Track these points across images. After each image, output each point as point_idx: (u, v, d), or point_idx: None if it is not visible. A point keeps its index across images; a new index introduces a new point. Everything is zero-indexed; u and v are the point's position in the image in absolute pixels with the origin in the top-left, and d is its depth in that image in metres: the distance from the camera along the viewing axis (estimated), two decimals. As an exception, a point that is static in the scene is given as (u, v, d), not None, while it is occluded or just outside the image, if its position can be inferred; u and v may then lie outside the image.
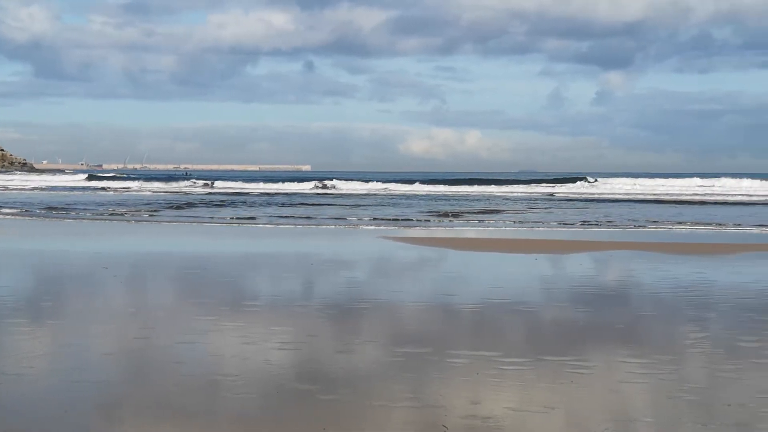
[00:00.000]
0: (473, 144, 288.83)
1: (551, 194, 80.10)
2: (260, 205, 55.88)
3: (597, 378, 10.06)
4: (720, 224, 37.12)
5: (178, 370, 10.22)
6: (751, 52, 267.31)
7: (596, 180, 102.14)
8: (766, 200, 65.73)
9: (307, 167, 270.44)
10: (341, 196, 74.97)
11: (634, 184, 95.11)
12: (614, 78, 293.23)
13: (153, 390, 9.43)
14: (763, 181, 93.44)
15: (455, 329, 13.08)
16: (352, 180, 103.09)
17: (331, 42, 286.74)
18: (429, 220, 40.25)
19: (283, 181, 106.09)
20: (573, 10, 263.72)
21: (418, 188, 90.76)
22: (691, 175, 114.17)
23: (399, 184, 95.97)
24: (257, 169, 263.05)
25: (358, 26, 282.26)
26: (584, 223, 37.96)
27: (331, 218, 40.86)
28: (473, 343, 11.81)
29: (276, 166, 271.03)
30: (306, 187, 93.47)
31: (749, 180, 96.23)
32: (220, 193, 77.50)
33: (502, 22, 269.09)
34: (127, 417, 8.47)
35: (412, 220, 40.39)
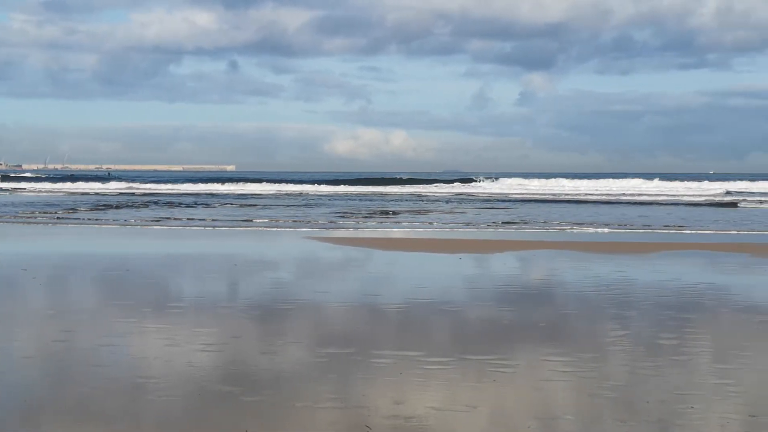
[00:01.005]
0: (399, 144, 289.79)
1: (419, 194, 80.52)
2: (180, 206, 55.35)
3: (520, 376, 10.13)
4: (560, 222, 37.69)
5: (100, 373, 10.07)
6: (670, 54, 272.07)
7: (482, 180, 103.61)
8: (651, 200, 66.58)
9: (231, 167, 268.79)
10: (252, 196, 74.64)
11: (520, 185, 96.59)
12: (537, 79, 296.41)
13: (73, 393, 9.28)
14: (663, 182, 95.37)
15: (380, 329, 13.09)
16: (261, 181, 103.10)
17: (255, 41, 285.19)
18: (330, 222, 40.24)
19: (205, 181, 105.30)
20: (496, 11, 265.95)
21: (308, 188, 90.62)
22: (606, 176, 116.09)
23: (290, 185, 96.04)
24: (181, 169, 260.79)
25: (283, 26, 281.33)
26: (506, 223, 38.24)
27: (248, 219, 40.64)
28: (397, 343, 11.83)
29: (200, 166, 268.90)
30: (225, 188, 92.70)
31: (658, 180, 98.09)
32: (140, 194, 76.58)
33: (426, 22, 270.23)
34: (47, 421, 8.33)
35: (310, 222, 40.34)
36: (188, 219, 40.42)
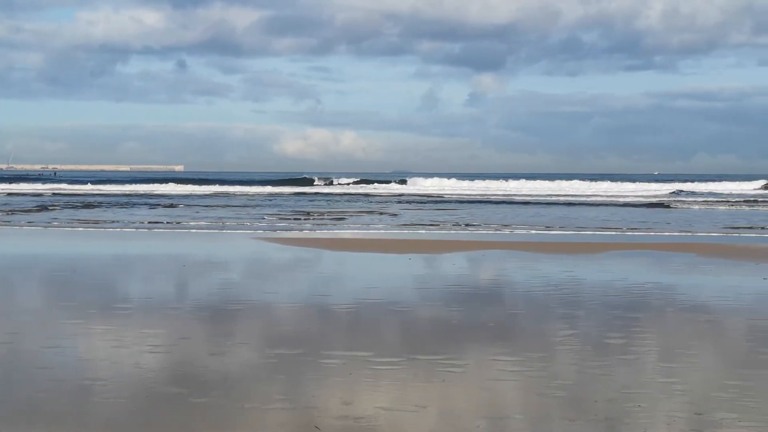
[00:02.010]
0: (348, 144, 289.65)
1: (366, 194, 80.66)
2: (126, 206, 54.89)
3: (469, 376, 10.16)
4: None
5: (45, 376, 9.95)
6: (618, 56, 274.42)
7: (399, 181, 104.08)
8: (579, 201, 67.19)
9: (180, 168, 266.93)
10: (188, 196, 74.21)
11: (444, 187, 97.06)
12: (486, 80, 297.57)
13: (19, 396, 9.16)
14: (586, 182, 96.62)
15: (329, 330, 13.06)
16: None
17: (204, 41, 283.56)
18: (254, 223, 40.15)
19: (152, 181, 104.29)
20: (445, 12, 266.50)
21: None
22: (553, 177, 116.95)
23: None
24: (128, 169, 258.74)
25: (232, 26, 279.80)
26: (455, 224, 38.37)
27: (196, 219, 40.41)
28: (347, 343, 11.82)
29: (148, 166, 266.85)
30: (169, 188, 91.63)
31: (602, 182, 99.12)
32: (83, 195, 75.36)
33: (375, 23, 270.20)
34: (-10, 425, 8.21)
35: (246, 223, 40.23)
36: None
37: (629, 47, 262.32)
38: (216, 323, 13.32)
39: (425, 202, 63.80)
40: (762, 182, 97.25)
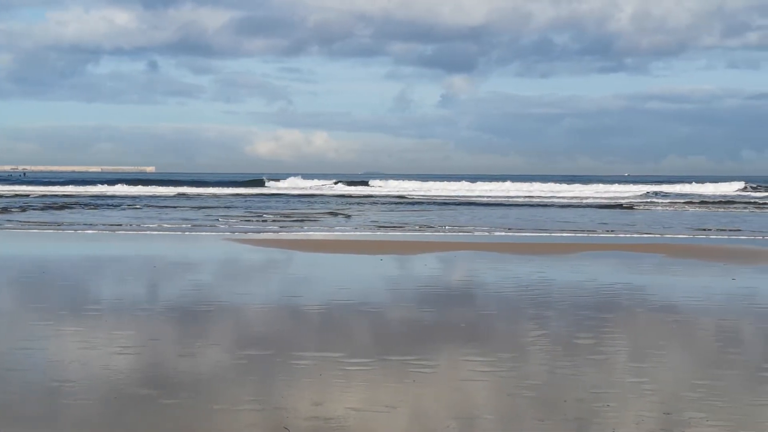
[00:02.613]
0: (320, 145, 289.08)
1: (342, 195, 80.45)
2: (96, 207, 54.61)
3: (439, 377, 10.18)
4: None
5: (14, 377, 9.89)
6: (589, 58, 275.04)
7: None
8: (547, 203, 67.49)
9: (151, 169, 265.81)
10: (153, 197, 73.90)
11: (410, 189, 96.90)
12: (458, 81, 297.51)
13: (-15, 398, 9.09)
14: (548, 184, 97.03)
15: (300, 331, 13.04)
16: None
17: (175, 42, 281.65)
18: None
19: (123, 182, 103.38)
20: (417, 14, 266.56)
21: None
22: (526, 178, 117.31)
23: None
24: (99, 170, 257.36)
25: (203, 26, 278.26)
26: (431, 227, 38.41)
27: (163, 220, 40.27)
28: (318, 344, 11.81)
29: (119, 167, 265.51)
30: (134, 190, 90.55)
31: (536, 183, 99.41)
32: (50, 196, 74.49)
33: (347, 24, 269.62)
34: (-43, 427, 8.15)
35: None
36: None
37: (601, 49, 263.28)
38: (186, 324, 13.27)
39: (384, 204, 63.82)
40: (741, 184, 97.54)
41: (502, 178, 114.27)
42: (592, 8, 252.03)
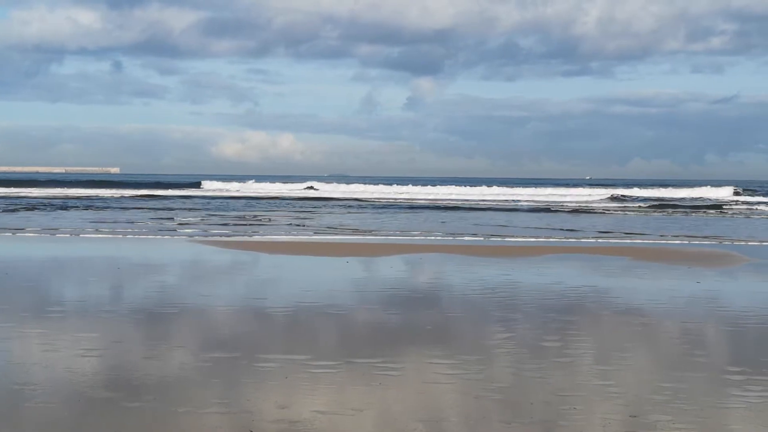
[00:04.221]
0: (287, 147, 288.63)
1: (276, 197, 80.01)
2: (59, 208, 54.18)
3: (406, 379, 10.14)
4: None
5: (-26, 380, 9.75)
6: (555, 61, 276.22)
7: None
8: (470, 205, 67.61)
9: (116, 170, 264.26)
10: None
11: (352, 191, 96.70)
12: (425, 84, 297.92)
13: (-55, 401, 8.96)
14: (503, 188, 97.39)
15: (266, 333, 12.97)
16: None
17: (140, 42, 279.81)
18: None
19: (80, 185, 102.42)
20: (384, 17, 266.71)
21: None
22: (490, 182, 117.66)
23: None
24: (63, 171, 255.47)
25: (169, 27, 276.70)
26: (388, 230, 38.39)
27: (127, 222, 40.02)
28: (284, 346, 11.74)
29: (84, 168, 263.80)
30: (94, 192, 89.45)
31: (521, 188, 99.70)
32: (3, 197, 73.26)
33: (314, 26, 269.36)
34: None
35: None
36: None
37: (566, 53, 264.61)
38: (150, 326, 13.16)
39: (342, 206, 63.80)
40: (731, 188, 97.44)
41: (467, 182, 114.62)
42: (558, 12, 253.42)
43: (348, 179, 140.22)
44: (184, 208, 54.92)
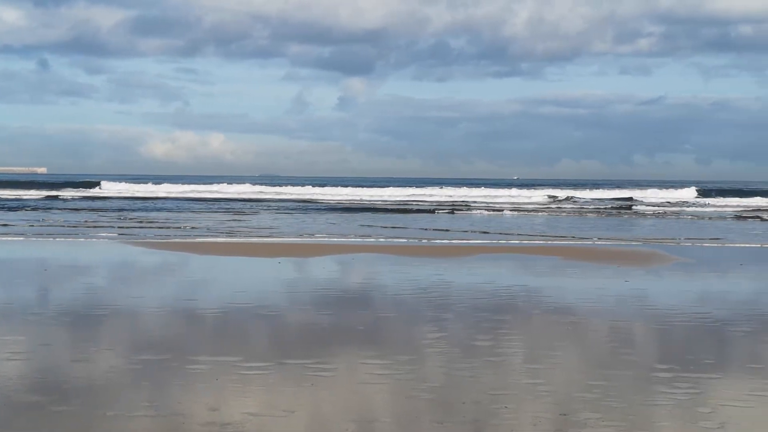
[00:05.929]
0: (217, 147, 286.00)
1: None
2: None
3: (338, 380, 10.11)
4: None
5: None
6: (485, 62, 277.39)
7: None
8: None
9: (42, 170, 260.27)
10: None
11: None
12: (356, 84, 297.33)
13: None
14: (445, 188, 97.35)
15: (196, 335, 12.86)
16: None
17: (67, 40, 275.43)
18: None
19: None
20: (315, 16, 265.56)
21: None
22: (422, 183, 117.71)
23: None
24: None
25: (97, 25, 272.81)
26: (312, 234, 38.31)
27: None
28: (214, 348, 11.64)
29: (9, 168, 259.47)
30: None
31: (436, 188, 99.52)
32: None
33: (244, 25, 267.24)
34: None
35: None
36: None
37: (496, 54, 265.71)
38: (78, 329, 12.98)
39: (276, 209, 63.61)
40: (694, 188, 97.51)
41: (396, 182, 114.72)
42: (488, 13, 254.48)
43: (279, 180, 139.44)
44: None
